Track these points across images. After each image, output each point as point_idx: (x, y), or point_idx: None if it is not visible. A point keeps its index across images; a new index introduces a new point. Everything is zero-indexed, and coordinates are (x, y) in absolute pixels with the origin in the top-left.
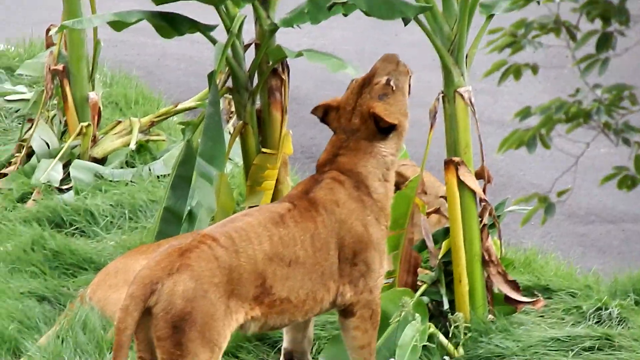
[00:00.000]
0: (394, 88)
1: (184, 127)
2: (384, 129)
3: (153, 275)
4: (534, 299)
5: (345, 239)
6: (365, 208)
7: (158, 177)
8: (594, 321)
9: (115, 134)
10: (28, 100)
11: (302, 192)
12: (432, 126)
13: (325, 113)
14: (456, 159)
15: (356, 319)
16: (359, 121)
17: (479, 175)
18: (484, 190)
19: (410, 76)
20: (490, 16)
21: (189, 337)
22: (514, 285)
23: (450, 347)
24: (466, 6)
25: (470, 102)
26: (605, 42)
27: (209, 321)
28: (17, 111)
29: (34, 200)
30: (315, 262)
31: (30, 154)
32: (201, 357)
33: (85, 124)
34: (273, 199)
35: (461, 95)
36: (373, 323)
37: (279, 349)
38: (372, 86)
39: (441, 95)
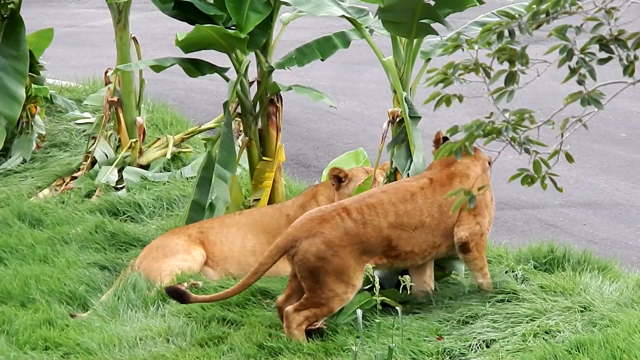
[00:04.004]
0: None
1: (206, 142)
2: None
3: (296, 234)
4: None
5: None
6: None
7: (187, 178)
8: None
9: (156, 147)
10: (92, 123)
11: (444, 165)
12: (383, 139)
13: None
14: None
15: (472, 252)
16: None
17: None
18: None
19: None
20: (428, 60)
21: (324, 278)
22: None
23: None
24: (410, 53)
25: None
26: (511, 78)
27: (339, 269)
28: (84, 131)
29: (96, 196)
30: (440, 221)
31: (94, 162)
32: (337, 290)
33: (134, 140)
34: (270, 194)
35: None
36: (482, 250)
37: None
38: None
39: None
